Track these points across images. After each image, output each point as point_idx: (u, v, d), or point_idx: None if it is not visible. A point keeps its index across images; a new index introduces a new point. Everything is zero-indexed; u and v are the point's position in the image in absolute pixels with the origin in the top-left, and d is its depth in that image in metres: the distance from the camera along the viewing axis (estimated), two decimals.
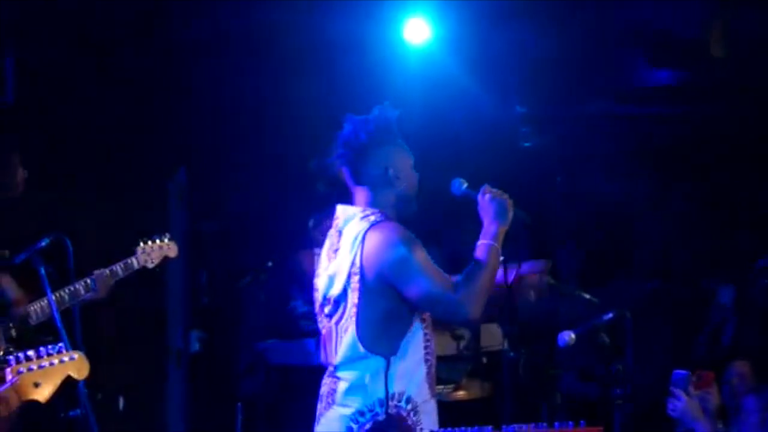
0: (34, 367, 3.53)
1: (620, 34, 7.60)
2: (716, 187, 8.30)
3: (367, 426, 3.90)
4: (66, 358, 3.58)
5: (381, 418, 3.88)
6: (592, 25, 7.48)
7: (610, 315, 5.23)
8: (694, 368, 5.43)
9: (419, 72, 7.51)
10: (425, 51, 7.59)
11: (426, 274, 3.91)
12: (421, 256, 3.95)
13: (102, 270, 5.54)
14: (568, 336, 5.09)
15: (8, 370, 3.51)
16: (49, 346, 3.59)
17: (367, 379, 3.92)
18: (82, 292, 5.38)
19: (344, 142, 4.15)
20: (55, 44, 7.03)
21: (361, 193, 4.13)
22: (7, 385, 3.49)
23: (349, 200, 4.19)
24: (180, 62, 7.59)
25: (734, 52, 7.45)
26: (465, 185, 4.22)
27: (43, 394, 3.55)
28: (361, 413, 3.91)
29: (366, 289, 3.95)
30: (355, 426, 3.91)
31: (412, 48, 7.57)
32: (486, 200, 4.07)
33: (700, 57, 7.61)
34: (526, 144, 8.48)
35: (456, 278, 3.99)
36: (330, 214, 4.22)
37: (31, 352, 3.55)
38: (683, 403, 5.18)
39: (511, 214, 4.07)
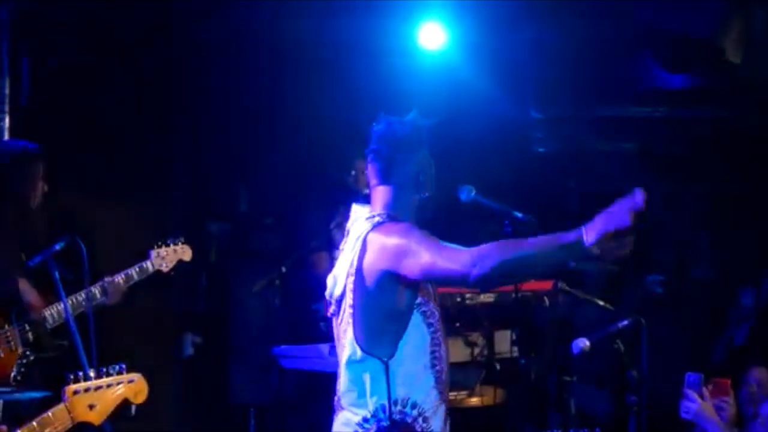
0: (91, 387, 3.44)
1: (635, 38, 7.58)
2: (733, 189, 8.27)
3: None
4: (124, 381, 3.50)
5: (385, 423, 3.82)
6: (607, 29, 7.46)
7: (626, 322, 5.21)
8: (711, 373, 5.41)
9: (433, 78, 7.48)
10: (440, 56, 7.57)
11: (424, 246, 3.71)
12: (418, 235, 3.78)
13: (113, 276, 5.54)
14: (583, 343, 5.07)
15: (65, 389, 3.42)
16: (110, 367, 3.52)
17: (368, 384, 3.85)
18: (98, 296, 5.40)
19: (381, 137, 4.02)
20: (71, 46, 7.04)
21: (383, 192, 4.01)
22: (61, 405, 3.41)
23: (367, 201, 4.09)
24: (195, 65, 7.61)
25: (750, 55, 7.42)
26: (473, 192, 4.17)
27: (97, 416, 3.45)
28: (366, 419, 3.86)
29: (364, 291, 3.86)
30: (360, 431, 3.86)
31: (427, 53, 7.56)
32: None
33: (716, 60, 7.58)
34: (541, 150, 8.46)
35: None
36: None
37: (91, 372, 3.48)
38: (697, 405, 5.17)
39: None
